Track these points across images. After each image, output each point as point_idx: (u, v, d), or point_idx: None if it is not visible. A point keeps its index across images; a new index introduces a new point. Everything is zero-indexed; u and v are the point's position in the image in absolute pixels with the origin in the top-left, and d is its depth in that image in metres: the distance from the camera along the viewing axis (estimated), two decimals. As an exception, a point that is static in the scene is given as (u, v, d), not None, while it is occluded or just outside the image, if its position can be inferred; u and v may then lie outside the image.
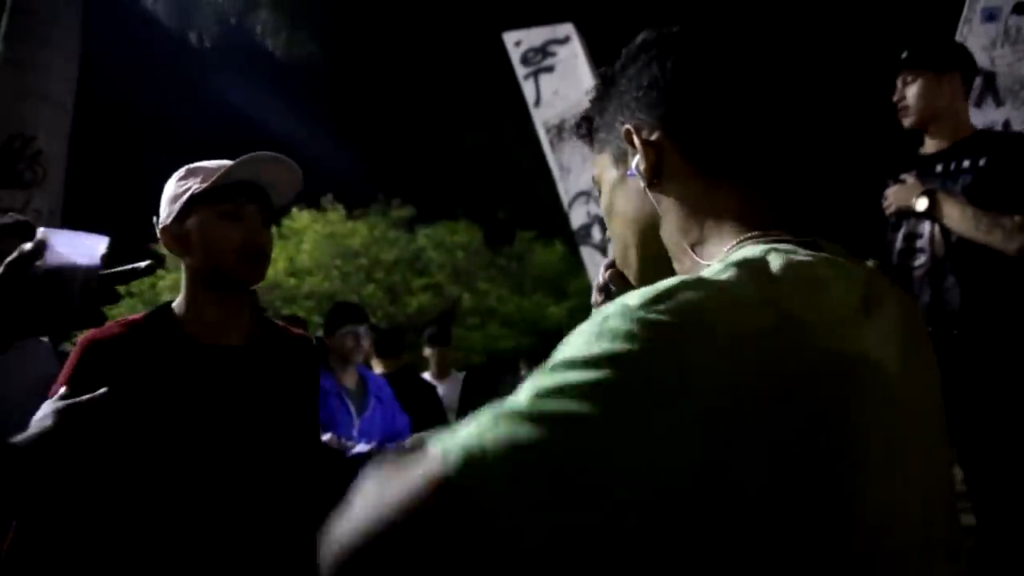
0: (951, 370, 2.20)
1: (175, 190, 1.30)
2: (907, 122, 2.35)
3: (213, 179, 1.26)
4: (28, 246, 0.90)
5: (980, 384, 2.16)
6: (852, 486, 0.56)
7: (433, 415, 3.65)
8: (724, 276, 0.60)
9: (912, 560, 0.61)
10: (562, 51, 4.00)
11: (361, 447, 3.00)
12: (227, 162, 1.29)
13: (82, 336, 1.26)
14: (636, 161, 0.74)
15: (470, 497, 0.48)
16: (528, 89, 4.09)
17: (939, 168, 2.27)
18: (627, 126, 0.75)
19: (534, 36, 4.08)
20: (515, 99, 4.27)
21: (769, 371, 0.54)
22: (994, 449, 2.16)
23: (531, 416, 0.50)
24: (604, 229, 3.44)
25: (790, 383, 0.54)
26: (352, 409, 3.22)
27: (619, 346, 0.52)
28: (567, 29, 4.06)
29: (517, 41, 4.10)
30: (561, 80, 4.00)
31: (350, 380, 3.32)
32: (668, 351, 0.52)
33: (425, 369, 4.51)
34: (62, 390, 1.04)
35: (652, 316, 0.54)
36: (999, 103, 2.66)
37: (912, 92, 2.31)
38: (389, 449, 3.22)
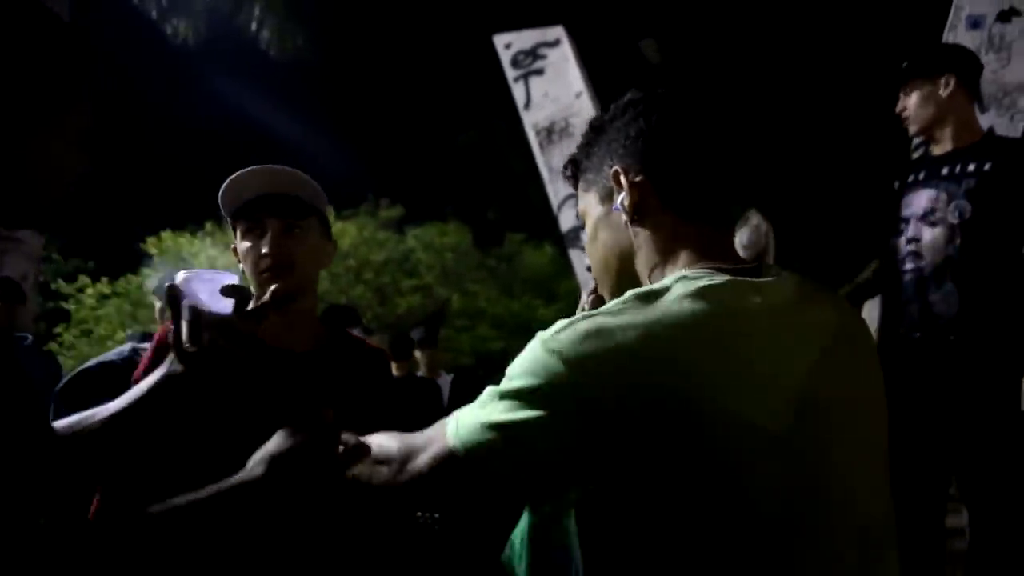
0: (945, 376, 2.22)
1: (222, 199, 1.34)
2: (911, 131, 2.38)
3: (225, 206, 1.30)
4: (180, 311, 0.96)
5: (974, 390, 2.18)
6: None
7: (439, 412, 3.69)
8: (609, 312, 0.77)
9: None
10: (552, 54, 4.01)
11: None
12: (243, 175, 1.32)
13: (159, 331, 1.27)
14: (621, 198, 0.89)
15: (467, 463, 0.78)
16: (518, 91, 4.10)
17: (945, 171, 2.29)
18: (616, 167, 0.90)
19: (524, 39, 4.09)
20: (506, 100, 4.27)
21: (615, 390, 0.73)
22: (988, 455, 2.18)
23: (493, 422, 0.78)
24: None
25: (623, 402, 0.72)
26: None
27: (537, 368, 0.77)
28: (557, 32, 4.06)
29: (507, 43, 4.10)
30: (551, 83, 4.01)
31: None
32: (560, 370, 0.75)
33: (415, 370, 4.51)
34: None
35: (552, 345, 0.76)
36: (983, 110, 2.69)
37: (911, 102, 2.34)
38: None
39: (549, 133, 3.98)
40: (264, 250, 1.28)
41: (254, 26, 8.62)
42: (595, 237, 0.94)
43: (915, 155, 2.45)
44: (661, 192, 0.87)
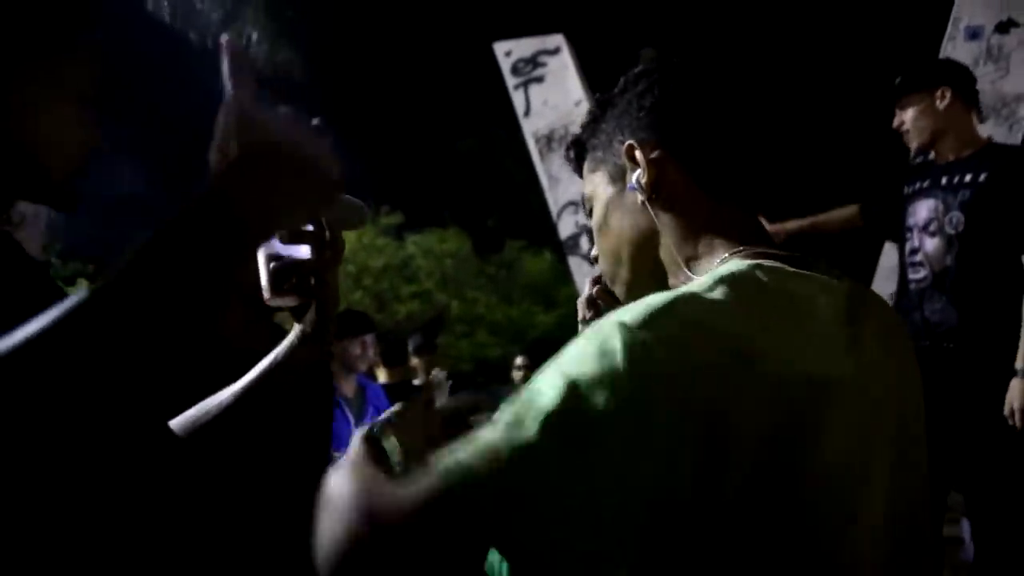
0: (946, 384, 2.22)
1: None
2: (912, 147, 2.39)
3: None
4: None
5: (975, 399, 2.18)
6: (811, 499, 0.62)
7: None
8: (708, 297, 0.63)
9: (875, 564, 0.66)
10: (552, 62, 4.03)
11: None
12: None
13: None
14: (637, 175, 0.78)
15: (474, 507, 0.52)
16: (518, 99, 4.11)
17: (944, 181, 2.31)
18: (629, 142, 0.79)
19: (524, 46, 4.10)
20: (506, 108, 4.29)
21: (723, 398, 0.58)
22: (989, 464, 2.18)
23: (544, 443, 0.53)
24: (592, 239, 3.47)
25: (741, 410, 0.59)
26: (351, 418, 3.24)
27: (614, 366, 0.56)
28: (557, 40, 4.08)
29: (507, 51, 4.12)
30: (551, 91, 4.03)
31: (349, 389, 3.32)
32: (652, 375, 0.57)
33: (412, 377, 4.51)
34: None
35: (642, 337, 0.58)
36: (982, 120, 2.70)
37: (908, 117, 2.34)
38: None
39: (549, 141, 3.98)
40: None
41: (245, 38, 8.67)
42: (605, 222, 0.83)
43: (916, 160, 2.46)
44: (685, 165, 0.77)
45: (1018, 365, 2.11)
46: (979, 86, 2.46)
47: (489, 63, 4.23)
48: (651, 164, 0.77)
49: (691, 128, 0.78)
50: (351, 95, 14.55)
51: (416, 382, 4.32)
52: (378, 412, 3.33)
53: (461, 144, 15.22)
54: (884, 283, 3.11)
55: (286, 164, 0.59)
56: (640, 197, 0.78)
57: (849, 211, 2.64)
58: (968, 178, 2.26)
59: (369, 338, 3.35)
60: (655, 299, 0.61)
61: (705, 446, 0.56)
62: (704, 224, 0.77)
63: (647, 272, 0.80)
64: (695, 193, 0.77)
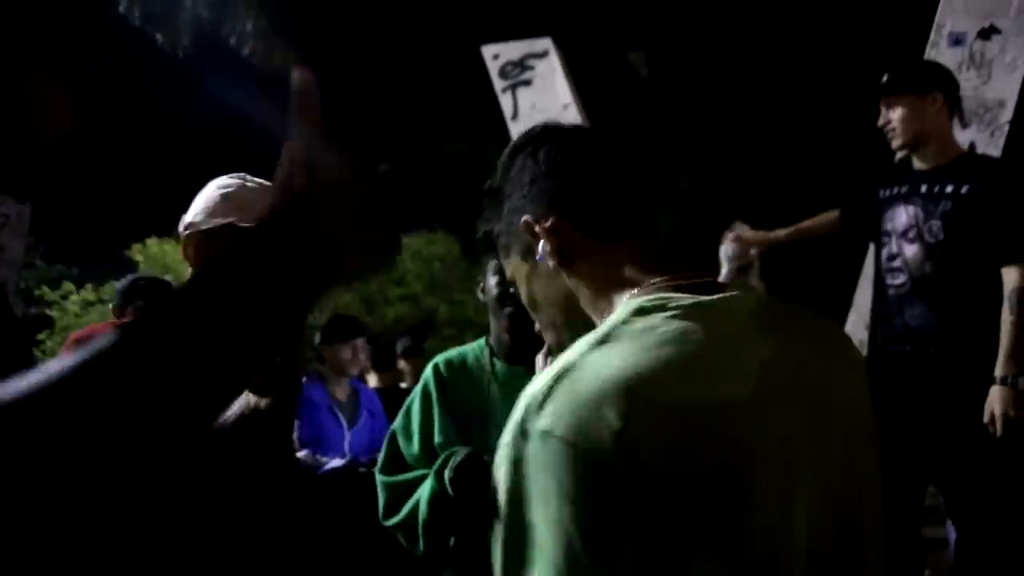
0: (926, 389, 2.24)
1: (214, 201, 1.29)
2: (895, 145, 2.39)
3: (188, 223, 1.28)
4: None
5: (955, 403, 2.21)
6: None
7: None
8: (591, 359, 0.69)
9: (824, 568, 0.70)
10: (540, 65, 4.04)
11: (335, 462, 3.00)
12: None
13: (82, 331, 1.24)
14: (541, 247, 0.83)
15: None
16: (506, 103, 4.12)
17: (924, 188, 2.32)
18: (524, 218, 0.84)
19: (512, 50, 4.11)
20: (494, 111, 4.29)
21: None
22: (969, 466, 2.20)
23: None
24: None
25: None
26: (343, 422, 3.22)
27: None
28: (545, 43, 4.09)
29: (495, 54, 4.12)
30: (539, 94, 4.03)
31: (342, 393, 3.32)
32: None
33: (400, 381, 4.50)
34: None
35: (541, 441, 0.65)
36: (964, 125, 2.73)
37: (896, 116, 2.34)
38: (363, 463, 3.13)
39: (537, 144, 4.00)
40: None
41: (234, 40, 8.61)
42: (532, 297, 0.88)
43: (898, 159, 2.47)
44: (576, 222, 0.82)
45: (998, 372, 2.13)
46: (962, 92, 2.48)
47: (477, 66, 4.23)
48: (549, 232, 0.82)
49: (565, 185, 0.84)
50: (339, 98, 14.52)
51: (404, 385, 4.32)
52: (372, 416, 3.31)
53: (449, 147, 15.22)
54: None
55: (349, 213, 0.54)
56: (551, 264, 0.83)
57: (832, 216, 2.66)
58: (949, 188, 2.28)
59: (360, 342, 3.34)
60: (540, 391, 0.67)
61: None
62: (610, 271, 0.81)
63: (582, 328, 0.81)
64: (594, 245, 0.82)
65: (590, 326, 0.80)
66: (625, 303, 0.77)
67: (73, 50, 0.68)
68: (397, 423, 1.64)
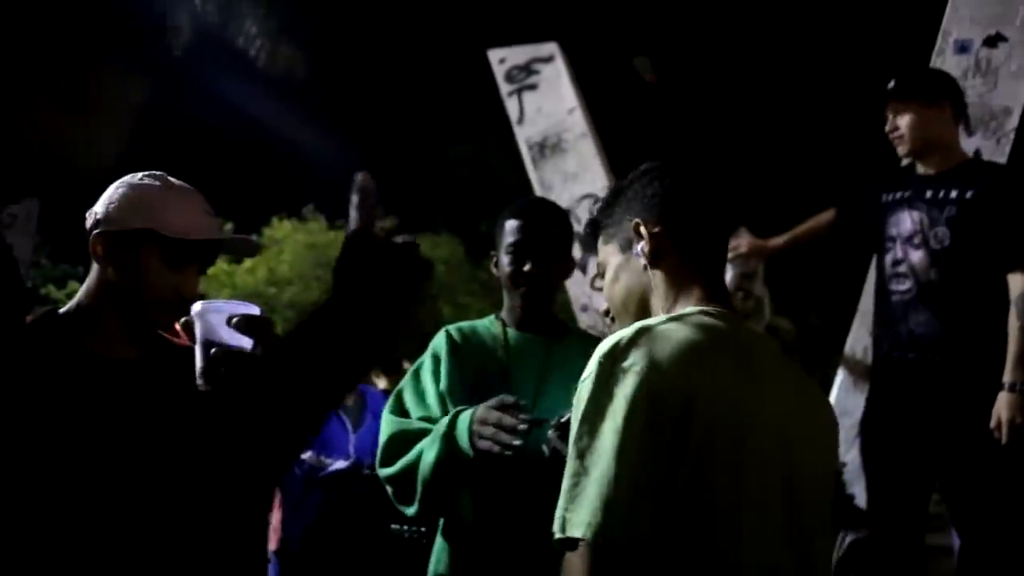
0: (930, 396, 2.24)
1: (132, 201, 1.23)
2: (901, 151, 2.38)
3: (182, 233, 1.22)
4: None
5: (960, 411, 2.20)
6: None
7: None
8: (662, 338, 0.98)
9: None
10: (546, 69, 4.04)
11: (339, 464, 3.02)
12: (198, 204, 1.26)
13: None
14: (641, 246, 1.08)
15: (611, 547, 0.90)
16: (511, 106, 4.12)
17: (929, 194, 2.32)
18: (636, 220, 1.09)
19: (518, 54, 4.12)
20: (499, 114, 4.30)
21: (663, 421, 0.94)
22: (973, 473, 2.20)
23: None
24: (583, 248, 3.47)
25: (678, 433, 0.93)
26: (348, 425, 3.23)
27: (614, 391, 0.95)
28: (551, 48, 4.10)
29: (501, 59, 4.13)
30: (544, 98, 4.04)
31: (348, 397, 3.32)
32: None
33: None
34: None
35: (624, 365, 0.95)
36: (970, 133, 2.73)
37: (905, 122, 2.34)
38: (367, 465, 3.12)
39: (542, 148, 4.00)
40: (186, 290, 1.28)
41: (241, 40, 8.64)
42: (616, 280, 1.12)
43: (904, 164, 2.47)
44: (674, 240, 1.08)
45: (1006, 379, 2.13)
46: (967, 99, 2.49)
47: (483, 70, 4.24)
48: (652, 237, 1.08)
49: (679, 211, 1.10)
50: (346, 101, 14.56)
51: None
52: (377, 419, 3.31)
53: (454, 150, 15.24)
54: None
55: (397, 285, 0.78)
56: (643, 262, 1.08)
57: (826, 216, 2.65)
58: (954, 194, 2.28)
59: None
60: (620, 337, 0.97)
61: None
62: (683, 280, 1.08)
63: (643, 316, 1.08)
64: (679, 259, 1.08)
65: (647, 315, 1.08)
66: (688, 308, 1.05)
67: (87, 74, 0.73)
68: (406, 381, 1.67)
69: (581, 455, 0.91)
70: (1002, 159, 2.95)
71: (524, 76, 4.07)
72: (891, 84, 2.41)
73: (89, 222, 1.25)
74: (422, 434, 1.51)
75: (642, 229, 1.08)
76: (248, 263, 11.52)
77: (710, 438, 0.91)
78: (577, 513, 0.89)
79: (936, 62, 3.10)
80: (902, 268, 2.33)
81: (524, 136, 4.08)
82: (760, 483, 0.94)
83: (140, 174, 1.27)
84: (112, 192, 1.25)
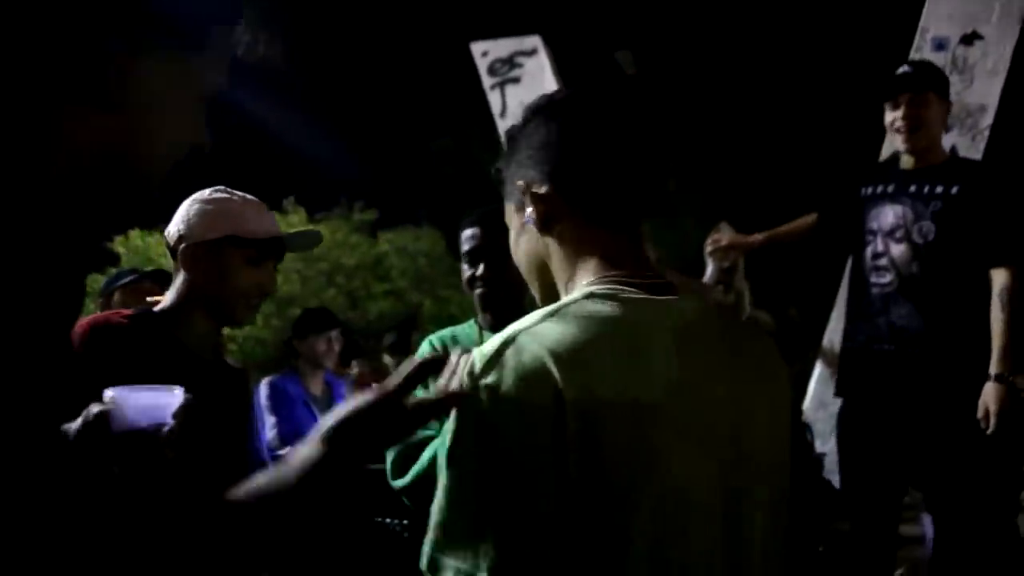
0: (910, 388, 2.27)
1: (211, 214, 1.41)
2: (910, 143, 2.33)
3: (257, 235, 1.41)
4: (93, 412, 0.89)
5: (938, 403, 2.23)
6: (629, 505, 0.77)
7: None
8: (537, 330, 0.80)
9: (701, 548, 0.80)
10: (529, 63, 4.04)
11: None
12: (264, 210, 1.46)
13: (86, 319, 1.32)
14: (529, 211, 0.89)
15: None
16: (494, 99, 4.12)
17: (913, 188, 2.33)
18: (520, 181, 0.89)
19: (501, 47, 4.11)
20: (482, 108, 4.29)
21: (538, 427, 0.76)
22: (951, 465, 2.24)
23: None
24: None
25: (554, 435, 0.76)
26: (318, 416, 3.21)
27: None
28: (534, 41, 4.09)
29: (484, 51, 4.12)
30: (527, 92, 4.03)
31: (316, 387, 3.32)
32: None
33: (386, 375, 4.49)
34: None
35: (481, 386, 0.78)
36: (947, 129, 2.77)
37: (920, 114, 2.30)
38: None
39: (524, 141, 4.00)
40: (266, 286, 1.47)
41: (220, 30, 8.54)
42: (517, 246, 0.94)
43: (886, 155, 2.49)
44: (568, 200, 0.87)
45: (993, 370, 2.17)
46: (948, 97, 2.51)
47: (466, 63, 4.23)
48: (539, 200, 0.88)
49: (569, 163, 0.88)
50: (326, 93, 14.45)
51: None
52: None
53: (436, 143, 15.17)
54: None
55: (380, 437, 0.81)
56: (534, 229, 0.89)
57: (808, 220, 2.67)
58: (939, 189, 2.29)
59: (334, 334, 3.34)
60: (487, 352, 0.80)
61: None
62: (579, 249, 0.88)
63: (548, 291, 0.92)
64: (577, 224, 0.88)
65: (554, 291, 0.91)
66: (583, 286, 0.85)
67: (201, 64, 0.77)
68: None
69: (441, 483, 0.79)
70: (977, 156, 3.00)
71: (507, 69, 4.06)
72: (904, 71, 2.36)
73: (172, 239, 1.43)
74: (427, 440, 1.52)
75: (530, 192, 0.88)
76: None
77: (595, 445, 0.75)
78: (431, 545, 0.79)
79: (914, 59, 3.14)
80: (883, 261, 2.34)
81: (507, 129, 4.08)
82: (680, 471, 0.78)
83: (208, 190, 1.45)
84: (188, 209, 1.43)
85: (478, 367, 0.78)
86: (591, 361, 0.77)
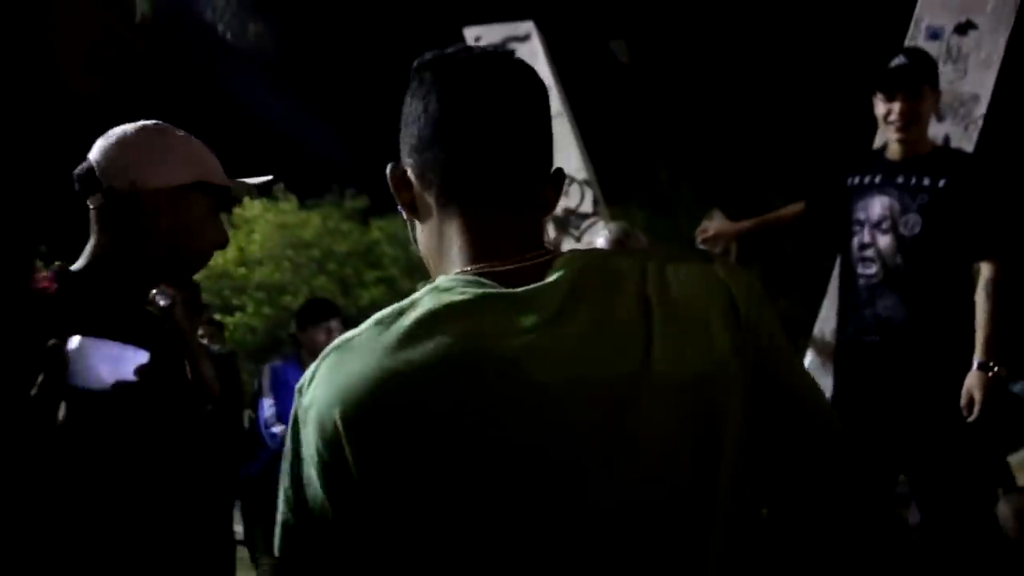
0: (895, 379, 2.28)
1: (171, 153, 1.19)
2: (905, 135, 2.32)
3: (223, 181, 1.23)
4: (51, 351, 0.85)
5: (923, 393, 2.25)
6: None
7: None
8: (369, 344, 0.72)
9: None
10: (522, 49, 4.01)
11: None
12: (199, 147, 1.24)
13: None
14: (396, 196, 0.81)
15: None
16: (487, 85, 4.09)
17: (900, 179, 2.33)
18: (389, 165, 0.80)
19: (494, 32, 4.08)
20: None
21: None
22: (936, 453, 2.25)
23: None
24: (556, 229, 3.47)
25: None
26: None
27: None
28: (527, 27, 4.06)
29: (477, 37, 4.09)
30: (520, 78, 4.02)
31: None
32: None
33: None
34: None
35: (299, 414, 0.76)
36: (940, 119, 2.76)
37: (923, 109, 2.30)
38: None
39: (517, 128, 3.98)
40: (224, 236, 1.31)
41: (210, 15, 8.45)
42: (413, 236, 0.84)
43: (878, 144, 2.48)
44: (420, 180, 0.77)
45: (977, 359, 2.18)
46: (940, 85, 2.51)
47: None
48: (398, 184, 0.79)
49: (421, 142, 0.77)
50: (317, 78, 14.35)
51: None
52: None
53: (428, 130, 15.09)
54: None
55: None
56: (406, 215, 0.81)
57: (797, 208, 2.66)
58: (927, 181, 2.29)
59: (334, 324, 3.41)
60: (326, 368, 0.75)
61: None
62: (445, 241, 0.77)
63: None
64: (435, 209, 0.77)
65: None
66: (434, 282, 0.75)
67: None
68: None
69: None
70: (969, 146, 3.00)
71: (499, 55, 4.03)
72: (900, 63, 2.34)
73: (117, 182, 1.17)
74: None
75: (392, 176, 0.80)
76: (218, 242, 11.39)
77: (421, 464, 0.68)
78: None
79: (908, 47, 3.13)
80: (869, 252, 2.35)
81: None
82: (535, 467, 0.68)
83: (147, 124, 1.22)
84: (135, 146, 1.19)
85: (303, 381, 0.76)
86: (383, 394, 0.69)
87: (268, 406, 3.32)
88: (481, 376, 0.68)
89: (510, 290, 0.71)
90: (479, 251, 0.75)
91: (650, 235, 3.15)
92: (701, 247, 2.81)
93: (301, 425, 0.74)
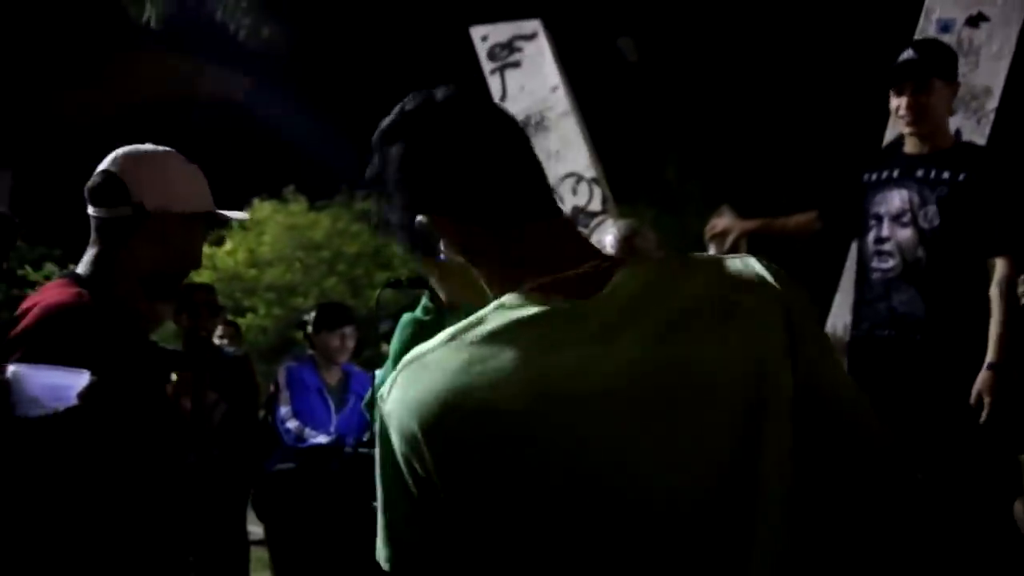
0: (911, 374, 2.26)
1: (186, 184, 1.29)
2: (916, 129, 2.31)
3: (223, 214, 1.33)
4: None
5: (938, 389, 2.23)
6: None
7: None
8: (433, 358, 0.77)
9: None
10: (529, 47, 4.01)
11: (320, 438, 3.23)
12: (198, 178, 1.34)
13: (46, 304, 1.19)
14: (442, 245, 0.84)
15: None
16: (494, 84, 4.09)
17: (920, 173, 2.31)
18: (420, 219, 0.83)
19: (501, 31, 4.07)
20: (481, 91, 4.26)
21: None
22: (949, 451, 2.24)
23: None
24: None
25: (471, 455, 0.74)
26: (331, 405, 3.41)
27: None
28: (534, 25, 4.06)
29: (484, 36, 4.09)
30: (527, 76, 4.01)
31: (332, 377, 3.51)
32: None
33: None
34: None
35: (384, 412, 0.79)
36: (951, 112, 2.75)
37: (931, 102, 2.28)
38: (349, 444, 3.29)
39: (524, 126, 3.97)
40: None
41: (219, 14, 8.46)
42: (451, 291, 0.92)
43: (889, 139, 2.46)
44: (458, 217, 0.81)
45: (989, 359, 2.16)
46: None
47: (466, 47, 4.20)
48: (446, 231, 0.82)
49: (445, 184, 0.81)
50: (326, 79, 14.40)
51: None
52: (360, 399, 3.43)
53: (437, 130, 15.11)
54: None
55: None
56: (457, 260, 0.83)
57: (807, 218, 2.63)
58: (946, 175, 2.27)
59: (348, 330, 3.51)
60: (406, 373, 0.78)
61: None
62: (507, 265, 0.81)
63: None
64: (488, 238, 0.81)
65: None
66: (497, 302, 0.78)
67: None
68: (384, 372, 1.74)
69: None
70: (981, 139, 2.98)
71: (507, 54, 4.03)
72: (908, 56, 2.31)
73: (149, 201, 1.24)
74: None
75: (433, 228, 0.85)
76: (228, 245, 11.42)
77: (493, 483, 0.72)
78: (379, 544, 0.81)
79: (918, 40, 3.10)
80: (887, 246, 2.33)
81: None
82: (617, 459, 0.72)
83: (161, 151, 1.30)
84: (153, 172, 1.27)
85: (384, 390, 0.79)
86: (461, 408, 0.73)
87: (284, 402, 3.42)
88: (547, 389, 0.72)
89: (571, 304, 0.76)
90: (539, 265, 0.79)
91: (658, 233, 3.13)
92: (710, 244, 2.80)
93: (388, 426, 0.78)
